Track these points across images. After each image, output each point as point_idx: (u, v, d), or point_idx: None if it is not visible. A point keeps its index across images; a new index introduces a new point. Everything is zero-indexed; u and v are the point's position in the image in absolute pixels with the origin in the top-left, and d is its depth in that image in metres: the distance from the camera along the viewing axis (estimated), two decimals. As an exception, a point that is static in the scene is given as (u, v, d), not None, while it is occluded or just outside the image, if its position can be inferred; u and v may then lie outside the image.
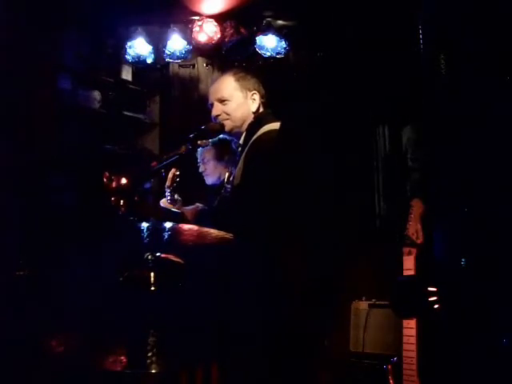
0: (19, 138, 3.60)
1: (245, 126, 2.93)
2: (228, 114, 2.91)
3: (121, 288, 1.97)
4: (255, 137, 2.84)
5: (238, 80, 2.95)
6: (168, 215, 2.92)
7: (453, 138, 3.11)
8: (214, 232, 2.10)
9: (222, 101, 2.92)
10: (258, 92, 2.97)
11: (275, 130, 2.85)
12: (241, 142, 2.94)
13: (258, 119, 2.92)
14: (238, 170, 2.86)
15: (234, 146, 3.06)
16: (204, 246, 2.10)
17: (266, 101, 3.00)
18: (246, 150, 2.86)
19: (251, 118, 2.93)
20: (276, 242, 2.68)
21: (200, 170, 3.77)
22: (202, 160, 3.74)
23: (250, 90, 2.95)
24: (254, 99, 2.95)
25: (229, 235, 2.11)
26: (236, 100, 2.92)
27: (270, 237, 2.66)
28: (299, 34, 4.17)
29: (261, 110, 2.97)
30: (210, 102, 2.98)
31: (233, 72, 3.00)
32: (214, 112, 2.94)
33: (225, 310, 2.13)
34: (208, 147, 3.42)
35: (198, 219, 2.84)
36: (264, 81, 3.05)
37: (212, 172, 3.74)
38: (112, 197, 2.25)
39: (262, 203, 2.68)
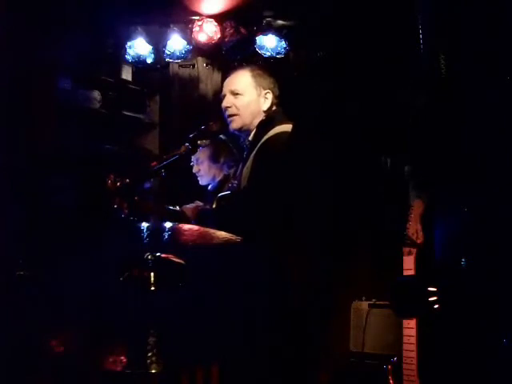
0: (19, 138, 3.59)
1: (254, 124, 2.92)
2: (238, 109, 2.91)
3: (121, 288, 1.97)
4: (266, 137, 2.83)
5: (254, 76, 2.95)
6: (168, 214, 2.92)
7: (453, 138, 3.11)
8: (219, 233, 2.10)
9: (234, 94, 2.92)
10: (272, 92, 2.96)
11: (287, 132, 2.84)
12: (250, 138, 2.93)
13: (270, 118, 2.91)
14: (245, 169, 2.85)
15: (241, 141, 3.04)
16: (208, 246, 2.10)
17: (279, 102, 3.00)
18: (256, 149, 2.84)
19: (261, 116, 2.92)
20: (278, 242, 2.68)
21: (194, 171, 3.75)
22: (196, 160, 3.71)
23: (265, 89, 2.94)
24: (267, 98, 2.94)
25: (235, 237, 2.11)
26: (249, 96, 2.92)
27: (274, 238, 2.66)
28: (299, 34, 4.17)
29: (273, 109, 2.96)
30: (222, 93, 2.98)
31: (250, 68, 3.00)
32: (225, 103, 2.94)
33: (225, 310, 2.13)
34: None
35: (199, 218, 2.83)
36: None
37: (206, 173, 3.72)
38: (114, 198, 2.25)
39: (268, 205, 2.67)
